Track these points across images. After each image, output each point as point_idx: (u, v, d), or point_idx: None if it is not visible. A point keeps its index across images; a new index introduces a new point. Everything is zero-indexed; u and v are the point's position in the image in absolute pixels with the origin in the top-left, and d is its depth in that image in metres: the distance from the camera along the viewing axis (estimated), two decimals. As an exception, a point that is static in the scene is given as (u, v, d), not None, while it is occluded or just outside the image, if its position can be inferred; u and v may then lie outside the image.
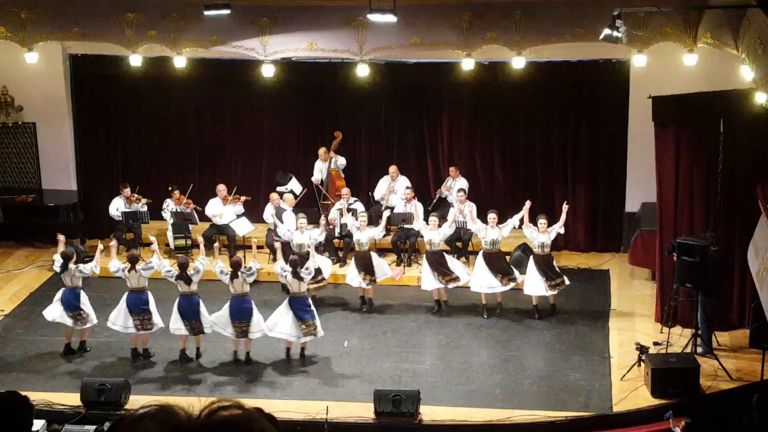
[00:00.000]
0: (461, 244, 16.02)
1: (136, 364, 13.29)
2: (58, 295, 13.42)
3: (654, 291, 14.51)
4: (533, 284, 14.43)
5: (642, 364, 12.58)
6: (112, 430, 2.14)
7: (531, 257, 14.63)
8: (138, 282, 13.24)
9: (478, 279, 14.52)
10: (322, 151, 17.06)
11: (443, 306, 14.71)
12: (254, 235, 15.45)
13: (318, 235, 14.80)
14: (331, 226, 15.77)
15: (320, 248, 15.43)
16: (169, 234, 16.46)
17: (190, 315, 13.09)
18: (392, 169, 16.77)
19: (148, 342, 13.42)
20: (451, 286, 14.55)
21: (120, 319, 13.26)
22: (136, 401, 12.05)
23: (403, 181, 16.66)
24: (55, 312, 13.38)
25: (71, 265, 13.27)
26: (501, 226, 14.51)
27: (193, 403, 2.10)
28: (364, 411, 11.97)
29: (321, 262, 14.70)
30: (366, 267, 14.62)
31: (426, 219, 15.31)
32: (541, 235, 14.39)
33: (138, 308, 13.16)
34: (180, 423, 2.05)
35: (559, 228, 14.56)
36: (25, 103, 17.52)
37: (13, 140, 17.71)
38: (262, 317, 13.16)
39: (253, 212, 16.38)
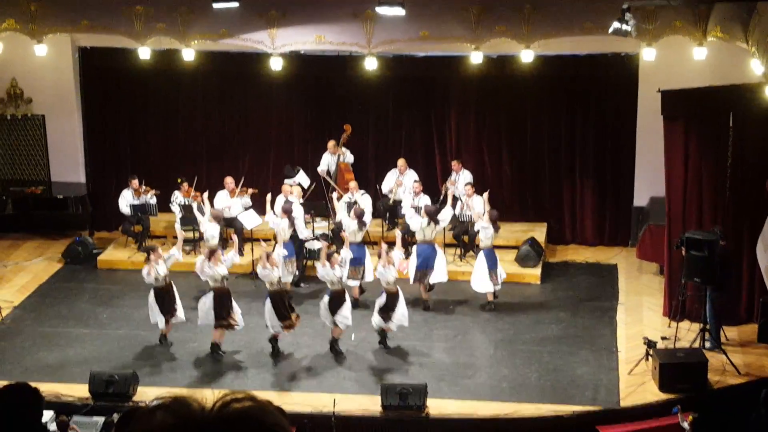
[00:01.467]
0: (467, 238, 15.98)
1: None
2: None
3: (662, 285, 14.50)
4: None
5: (650, 358, 12.57)
6: (124, 420, 2.17)
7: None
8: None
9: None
10: (331, 143, 17.04)
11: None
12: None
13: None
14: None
15: (328, 238, 15.21)
16: (177, 226, 16.45)
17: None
18: (401, 162, 16.74)
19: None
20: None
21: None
22: (144, 393, 12.10)
23: (412, 175, 16.62)
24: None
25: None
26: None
27: (205, 395, 2.12)
28: (371, 404, 11.97)
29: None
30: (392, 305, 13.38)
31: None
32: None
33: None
34: (194, 415, 2.06)
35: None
36: (34, 95, 17.55)
37: (22, 132, 17.76)
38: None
39: (261, 205, 16.37)
